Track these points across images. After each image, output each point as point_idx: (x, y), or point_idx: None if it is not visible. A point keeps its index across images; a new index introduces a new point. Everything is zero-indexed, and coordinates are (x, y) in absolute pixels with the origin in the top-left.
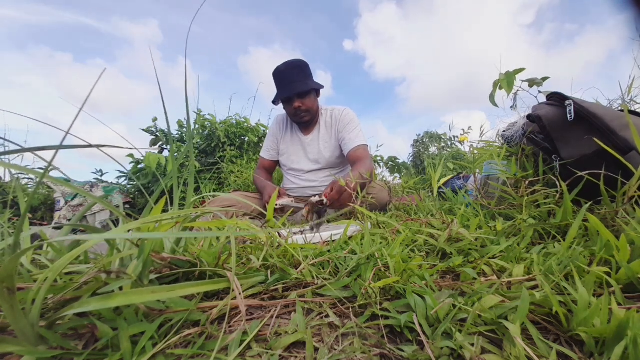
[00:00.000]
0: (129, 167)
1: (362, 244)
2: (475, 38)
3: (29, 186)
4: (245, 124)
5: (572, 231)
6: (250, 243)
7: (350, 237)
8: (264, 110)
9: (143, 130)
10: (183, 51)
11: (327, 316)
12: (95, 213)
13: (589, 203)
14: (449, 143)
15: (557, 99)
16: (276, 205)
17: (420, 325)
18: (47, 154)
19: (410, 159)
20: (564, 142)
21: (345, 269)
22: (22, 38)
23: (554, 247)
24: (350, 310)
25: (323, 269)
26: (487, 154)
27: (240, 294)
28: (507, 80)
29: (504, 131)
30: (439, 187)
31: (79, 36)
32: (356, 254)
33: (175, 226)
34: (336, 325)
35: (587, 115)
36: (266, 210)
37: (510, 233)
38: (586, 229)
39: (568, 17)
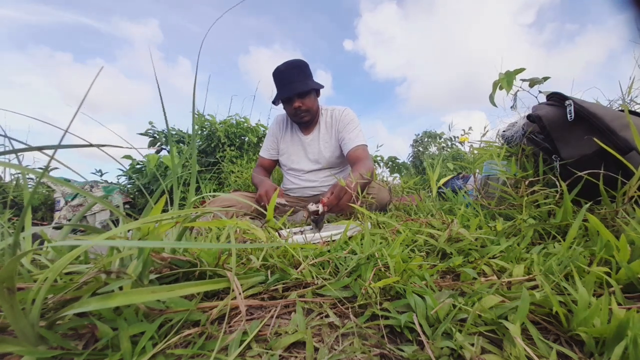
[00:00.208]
0: (129, 167)
1: (362, 244)
2: (475, 38)
3: (29, 186)
4: (245, 124)
5: (572, 231)
6: (251, 243)
7: (350, 237)
8: (263, 110)
9: (141, 134)
10: (183, 51)
11: (327, 316)
12: (95, 213)
13: (589, 203)
14: (449, 143)
15: (557, 99)
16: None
17: (420, 325)
18: (49, 154)
19: (410, 159)
20: (564, 142)
21: (345, 269)
22: (22, 38)
23: (554, 247)
24: (350, 310)
25: (323, 269)
26: (487, 154)
27: (240, 294)
28: (506, 80)
29: (504, 131)
30: (439, 187)
31: (79, 36)
32: (356, 254)
33: (175, 226)
34: (336, 325)
35: (587, 115)
36: (260, 205)
37: (510, 233)
38: (586, 229)
39: (568, 17)
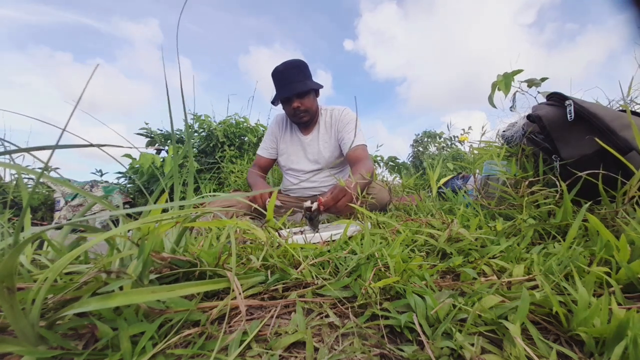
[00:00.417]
0: (129, 167)
1: (362, 244)
2: (475, 38)
3: (29, 186)
4: (245, 124)
5: (572, 231)
6: (250, 243)
7: (350, 237)
8: (263, 110)
9: (137, 134)
10: (184, 51)
11: (327, 316)
12: (95, 213)
13: (589, 203)
14: (449, 143)
15: (557, 99)
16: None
17: (420, 325)
18: (47, 155)
19: (410, 159)
20: (564, 142)
21: (345, 269)
22: (22, 38)
23: (554, 247)
24: (350, 310)
25: (323, 269)
26: (487, 154)
27: (240, 294)
28: (504, 82)
29: (504, 131)
30: (439, 187)
31: (79, 36)
32: (356, 254)
33: (175, 226)
34: (336, 325)
35: (587, 115)
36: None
37: (510, 233)
38: (586, 229)
39: (569, 16)
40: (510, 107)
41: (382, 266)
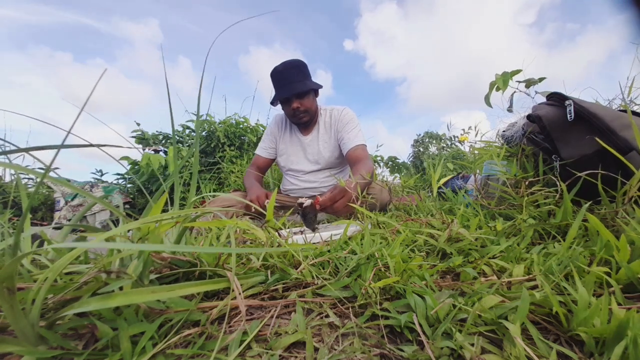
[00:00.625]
0: (128, 167)
1: (362, 244)
2: (476, 38)
3: (29, 186)
4: (245, 124)
5: (572, 231)
6: (250, 243)
7: (350, 237)
8: (263, 110)
9: (132, 136)
10: (183, 51)
11: (327, 316)
12: (95, 213)
13: (589, 203)
14: (449, 143)
15: (557, 99)
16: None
17: (420, 325)
18: (46, 155)
19: (410, 159)
20: (564, 142)
21: (345, 269)
22: (23, 38)
23: (554, 247)
24: (350, 310)
25: (323, 269)
26: (487, 154)
27: (240, 294)
28: (502, 80)
29: (503, 131)
30: (439, 187)
31: (79, 36)
32: (356, 254)
33: (175, 226)
34: (336, 325)
35: (587, 115)
36: (252, 209)
37: (510, 233)
38: (586, 229)
39: (569, 16)
40: (508, 108)
41: (382, 266)
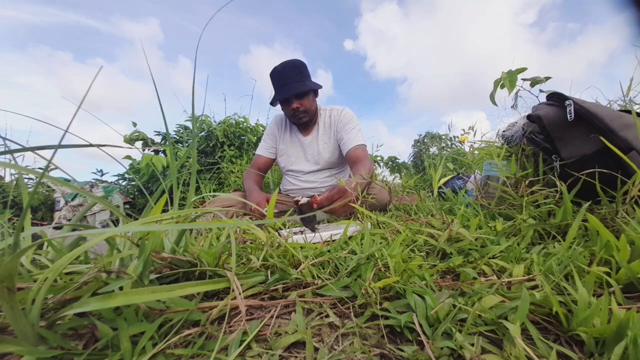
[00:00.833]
0: (128, 167)
1: (362, 244)
2: (476, 37)
3: (29, 186)
4: (245, 124)
5: (572, 231)
6: (250, 243)
7: (350, 237)
8: (262, 109)
9: (130, 139)
10: (184, 50)
11: (327, 316)
12: (95, 213)
13: (589, 203)
14: (449, 143)
15: (557, 99)
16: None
17: (420, 325)
18: (48, 155)
19: (411, 159)
20: (564, 142)
21: (345, 269)
22: (23, 38)
23: (554, 247)
24: (350, 310)
25: (323, 269)
26: (487, 154)
27: (240, 294)
28: (509, 79)
29: (504, 131)
30: (439, 187)
31: (79, 36)
32: (356, 254)
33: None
34: (336, 325)
35: (587, 115)
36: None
37: (510, 233)
38: (586, 229)
39: (570, 16)
40: (512, 106)
41: (382, 266)
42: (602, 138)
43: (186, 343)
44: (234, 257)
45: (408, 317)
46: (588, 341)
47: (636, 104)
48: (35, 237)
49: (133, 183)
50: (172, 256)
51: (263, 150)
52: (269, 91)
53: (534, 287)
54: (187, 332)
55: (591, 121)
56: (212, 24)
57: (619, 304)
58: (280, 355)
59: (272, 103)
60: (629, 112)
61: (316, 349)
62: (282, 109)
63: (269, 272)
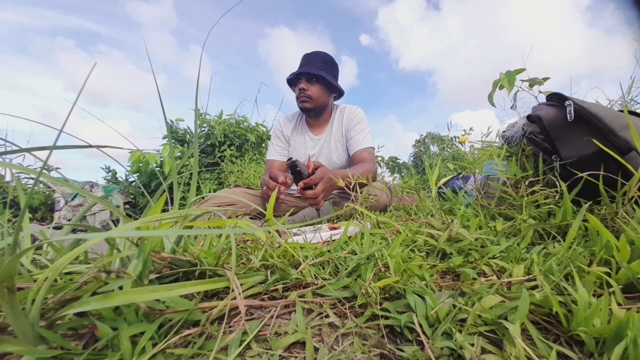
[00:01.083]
0: (132, 166)
1: (362, 244)
2: (518, 25)
3: (29, 185)
4: (245, 123)
5: (572, 231)
6: (250, 243)
7: (350, 237)
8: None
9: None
10: (198, 36)
11: (327, 316)
12: (95, 213)
13: (589, 203)
14: (450, 144)
15: (557, 99)
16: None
17: (420, 325)
18: (51, 155)
19: (411, 159)
20: (564, 143)
21: (345, 269)
22: (25, 40)
23: (554, 247)
24: (350, 310)
25: (323, 269)
26: (487, 154)
27: (240, 293)
28: (507, 79)
29: (504, 131)
30: (439, 187)
31: (85, 33)
32: (356, 254)
33: (175, 226)
34: (336, 325)
35: (587, 116)
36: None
37: (510, 233)
38: (586, 229)
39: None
40: (511, 106)
41: (382, 266)
42: (595, 141)
43: (186, 343)
44: (233, 256)
45: (408, 317)
46: (588, 341)
47: (637, 102)
48: (35, 238)
49: (135, 182)
50: (171, 256)
51: (275, 155)
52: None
53: (534, 287)
54: (187, 332)
55: (591, 121)
56: (227, 9)
57: (619, 304)
58: (280, 355)
59: (288, 81)
60: (631, 112)
61: (316, 349)
62: (294, 90)
63: (269, 272)
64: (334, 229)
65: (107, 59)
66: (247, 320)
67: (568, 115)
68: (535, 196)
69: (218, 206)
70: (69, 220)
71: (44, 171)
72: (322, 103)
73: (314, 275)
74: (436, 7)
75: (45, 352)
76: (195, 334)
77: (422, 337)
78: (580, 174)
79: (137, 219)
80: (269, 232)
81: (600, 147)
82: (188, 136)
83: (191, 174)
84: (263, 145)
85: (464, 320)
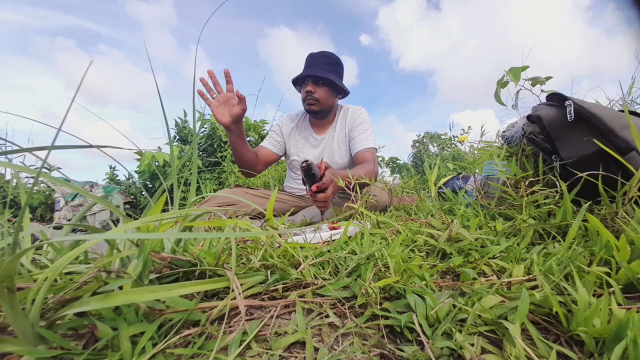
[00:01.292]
0: (133, 165)
1: (362, 244)
2: (518, 24)
3: (29, 185)
4: (245, 123)
5: (572, 231)
6: (250, 243)
7: (350, 237)
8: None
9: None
10: (195, 38)
11: (327, 316)
12: (95, 213)
13: (588, 203)
14: (450, 144)
15: (557, 99)
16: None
17: (420, 325)
18: (50, 154)
19: (410, 159)
20: (564, 143)
21: (345, 269)
22: (25, 40)
23: (554, 247)
24: (350, 310)
25: (323, 269)
26: (487, 154)
27: (240, 293)
28: (513, 73)
29: (504, 131)
30: (439, 187)
31: (85, 33)
32: (356, 254)
33: (175, 226)
34: (336, 325)
35: (587, 116)
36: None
37: (510, 233)
38: (586, 229)
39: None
40: (512, 105)
41: (382, 266)
42: (595, 141)
43: (186, 343)
44: (233, 256)
45: (408, 317)
46: (588, 341)
47: (637, 103)
48: (35, 238)
49: (132, 184)
50: (171, 256)
51: (267, 143)
52: (271, 87)
53: (534, 287)
54: (187, 332)
55: (591, 121)
56: (227, 9)
57: (619, 304)
58: (280, 355)
59: (294, 81)
60: (631, 112)
61: (316, 349)
62: (299, 91)
63: (269, 272)
64: (334, 229)
65: (107, 59)
66: (247, 320)
67: (568, 115)
68: (535, 196)
69: (218, 206)
70: (69, 220)
71: (44, 171)
72: (329, 105)
73: (314, 275)
74: (436, 7)
75: (45, 352)
76: (195, 334)
77: (422, 337)
78: (580, 174)
79: (137, 219)
80: (269, 232)
81: (601, 147)
82: (190, 136)
83: (191, 173)
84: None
85: (464, 320)
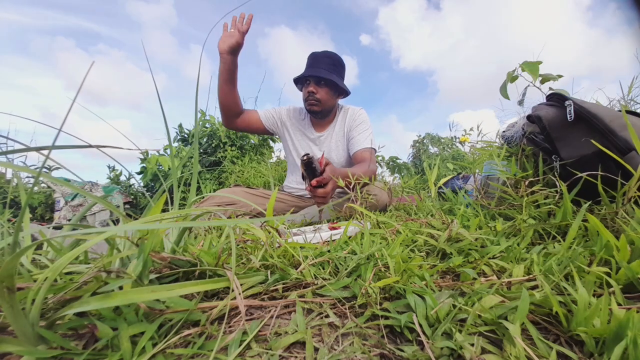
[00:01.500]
0: (133, 165)
1: (362, 244)
2: (519, 24)
3: (30, 184)
4: None
5: (572, 231)
6: (250, 243)
7: (350, 237)
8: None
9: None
10: (198, 36)
11: (327, 316)
12: (95, 213)
13: (588, 203)
14: (450, 145)
15: (557, 99)
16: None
17: (420, 325)
18: (52, 154)
19: (410, 159)
20: (564, 143)
21: (345, 269)
22: (26, 40)
23: (554, 247)
24: (350, 310)
25: (323, 269)
26: (487, 154)
27: (240, 293)
28: (529, 68)
29: (504, 131)
30: (439, 187)
31: (85, 33)
32: (356, 254)
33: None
34: (336, 325)
35: (587, 116)
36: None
37: (510, 233)
38: (586, 229)
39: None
40: (519, 102)
41: (382, 266)
42: (593, 142)
43: (186, 343)
44: (233, 256)
45: (408, 317)
46: (588, 341)
47: (637, 102)
48: (34, 238)
49: (135, 183)
50: (171, 256)
51: (261, 111)
52: (272, 87)
53: (534, 287)
54: (187, 332)
55: (591, 122)
56: (228, 9)
57: (619, 304)
58: (280, 355)
59: (295, 81)
60: (630, 112)
61: (316, 349)
62: (301, 90)
63: (269, 272)
64: (334, 228)
65: (107, 59)
66: (247, 320)
67: (568, 116)
68: (535, 196)
69: (218, 206)
70: (69, 220)
71: (44, 171)
72: (330, 105)
73: (314, 275)
74: (437, 6)
75: (45, 352)
76: (195, 334)
77: (422, 337)
78: (580, 174)
79: (137, 218)
80: (269, 232)
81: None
82: (191, 137)
83: (191, 174)
84: (264, 145)
85: (464, 320)
